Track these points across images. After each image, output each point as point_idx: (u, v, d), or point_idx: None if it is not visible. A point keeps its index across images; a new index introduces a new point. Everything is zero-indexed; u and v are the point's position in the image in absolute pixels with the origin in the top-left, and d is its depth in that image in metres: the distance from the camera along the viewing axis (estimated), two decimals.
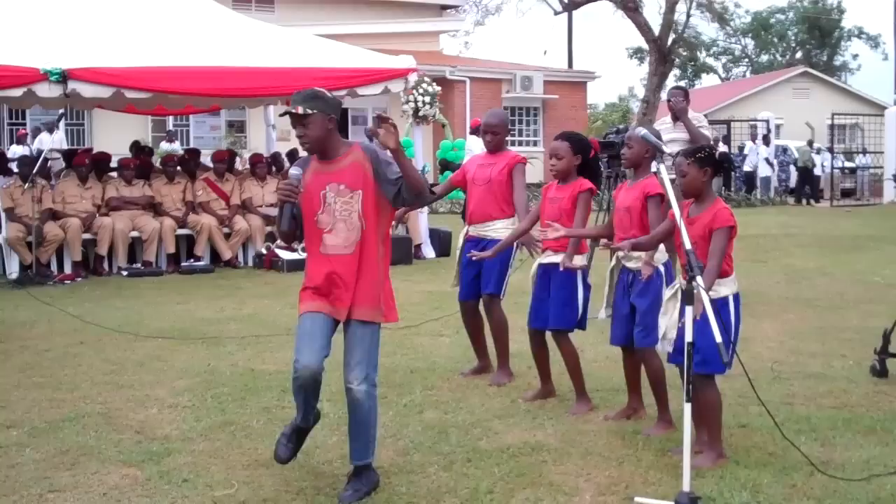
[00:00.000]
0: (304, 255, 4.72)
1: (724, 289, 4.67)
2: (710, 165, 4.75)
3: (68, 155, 14.37)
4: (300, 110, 4.30)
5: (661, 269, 5.28)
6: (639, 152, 5.30)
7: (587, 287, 5.74)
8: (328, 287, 4.37)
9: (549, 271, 5.75)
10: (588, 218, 5.80)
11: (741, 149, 27.30)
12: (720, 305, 4.59)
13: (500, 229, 6.34)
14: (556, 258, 5.71)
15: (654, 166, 4.67)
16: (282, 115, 4.44)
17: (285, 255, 12.12)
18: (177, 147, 21.25)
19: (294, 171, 4.36)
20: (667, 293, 4.95)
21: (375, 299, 4.41)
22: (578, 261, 5.70)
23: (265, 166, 13.77)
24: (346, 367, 4.37)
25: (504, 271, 6.33)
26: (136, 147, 14.49)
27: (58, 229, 11.59)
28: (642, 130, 5.11)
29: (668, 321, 4.83)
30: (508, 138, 6.78)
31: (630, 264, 5.33)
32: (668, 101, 9.14)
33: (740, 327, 4.80)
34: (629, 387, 5.59)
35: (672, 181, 4.67)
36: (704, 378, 4.64)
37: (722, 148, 21.20)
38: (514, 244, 6.33)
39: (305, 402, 4.51)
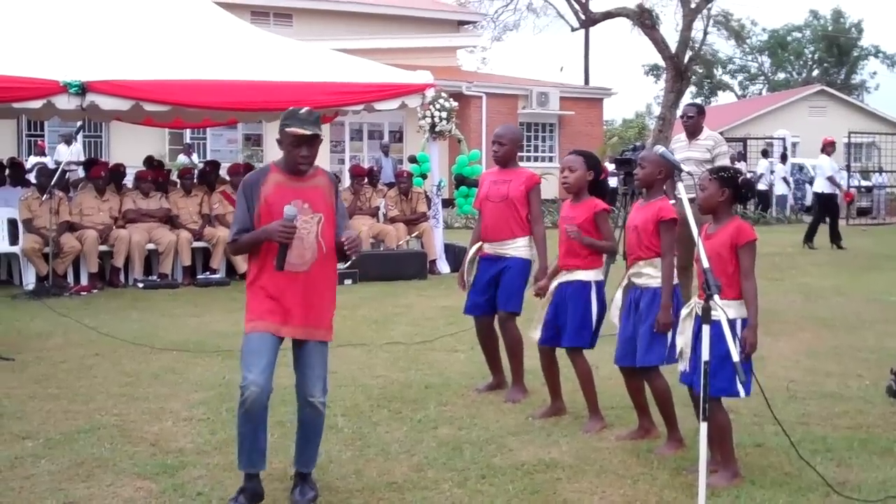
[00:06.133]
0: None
1: (732, 311, 4.59)
2: (731, 187, 4.73)
3: (88, 165, 14.42)
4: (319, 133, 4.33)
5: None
6: (651, 172, 5.25)
7: (601, 305, 5.74)
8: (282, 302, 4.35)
9: (564, 290, 5.75)
10: (612, 233, 5.84)
11: (763, 174, 27.01)
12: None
13: (519, 247, 6.34)
14: (571, 277, 5.71)
15: (678, 189, 4.65)
16: (306, 134, 4.30)
17: None
18: (195, 160, 21.30)
19: (290, 210, 4.24)
20: (682, 311, 4.93)
21: (328, 319, 4.46)
22: (592, 276, 5.71)
23: None
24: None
25: (523, 289, 6.31)
26: (150, 162, 14.53)
27: (74, 241, 11.64)
28: (660, 149, 5.08)
29: (684, 340, 4.82)
30: (523, 154, 6.77)
31: (639, 281, 5.30)
32: (682, 117, 9.09)
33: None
34: (637, 408, 5.54)
35: (691, 200, 4.65)
36: (712, 400, 4.61)
37: (739, 165, 21.17)
38: (530, 262, 6.35)
39: (253, 433, 4.31)
